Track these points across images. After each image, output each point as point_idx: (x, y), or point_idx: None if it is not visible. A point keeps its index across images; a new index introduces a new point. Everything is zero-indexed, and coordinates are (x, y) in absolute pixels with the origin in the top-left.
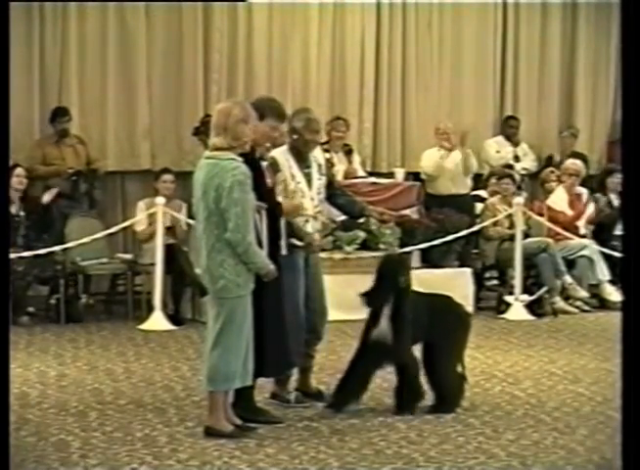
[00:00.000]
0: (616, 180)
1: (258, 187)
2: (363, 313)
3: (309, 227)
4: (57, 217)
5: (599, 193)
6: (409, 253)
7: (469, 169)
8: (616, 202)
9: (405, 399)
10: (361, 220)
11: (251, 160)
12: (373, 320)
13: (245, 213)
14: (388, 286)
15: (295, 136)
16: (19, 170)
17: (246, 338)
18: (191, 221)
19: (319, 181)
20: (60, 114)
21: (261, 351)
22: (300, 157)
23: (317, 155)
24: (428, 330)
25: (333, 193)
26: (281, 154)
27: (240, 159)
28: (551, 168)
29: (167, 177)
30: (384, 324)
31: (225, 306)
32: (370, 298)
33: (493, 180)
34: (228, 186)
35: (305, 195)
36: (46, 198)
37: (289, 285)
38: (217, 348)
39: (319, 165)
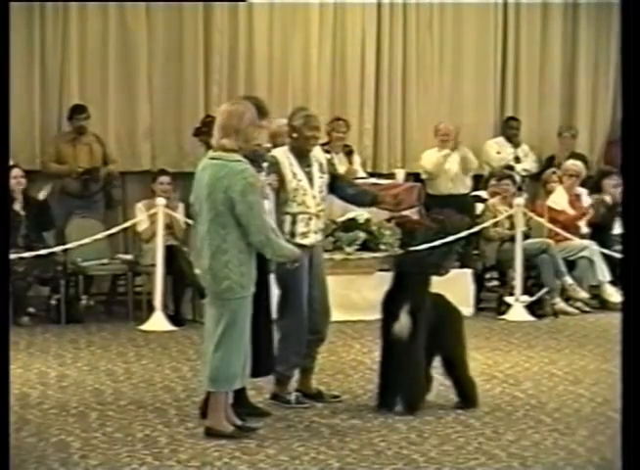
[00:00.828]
0: (612, 182)
1: None
2: (363, 314)
3: (312, 225)
4: (62, 216)
5: (595, 194)
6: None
7: (468, 167)
8: (609, 202)
9: (411, 400)
10: (362, 221)
11: None
12: (393, 316)
13: (260, 214)
14: (417, 282)
15: (294, 134)
16: (16, 171)
17: (247, 339)
18: (190, 221)
19: (320, 180)
20: (78, 111)
21: (253, 351)
22: (301, 155)
23: (318, 154)
24: (436, 328)
25: (340, 185)
26: (282, 153)
27: (245, 160)
28: (553, 169)
29: (164, 179)
30: (403, 320)
31: (228, 307)
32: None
33: (493, 181)
34: (240, 190)
35: (307, 193)
36: (42, 195)
37: (292, 286)
38: (220, 348)
39: (320, 164)
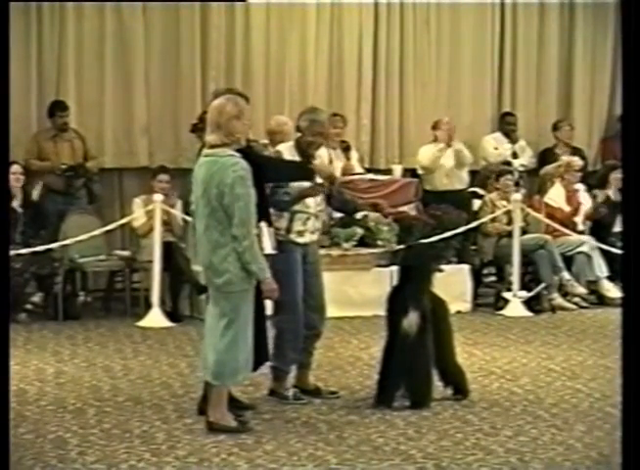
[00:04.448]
0: (619, 176)
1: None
2: (360, 310)
3: (309, 225)
4: (51, 213)
5: (598, 189)
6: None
7: (462, 162)
8: (614, 197)
9: (422, 395)
10: (359, 217)
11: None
12: (402, 311)
13: (248, 208)
14: (422, 276)
15: (299, 134)
16: (15, 167)
17: (250, 333)
18: (187, 217)
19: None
20: (59, 107)
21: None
22: (305, 154)
23: (323, 153)
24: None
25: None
26: (287, 149)
27: (238, 154)
28: (559, 163)
29: (163, 177)
30: (412, 316)
31: (230, 301)
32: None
33: (489, 175)
34: (230, 182)
35: None
36: (35, 194)
37: (287, 282)
38: (225, 343)
39: None
